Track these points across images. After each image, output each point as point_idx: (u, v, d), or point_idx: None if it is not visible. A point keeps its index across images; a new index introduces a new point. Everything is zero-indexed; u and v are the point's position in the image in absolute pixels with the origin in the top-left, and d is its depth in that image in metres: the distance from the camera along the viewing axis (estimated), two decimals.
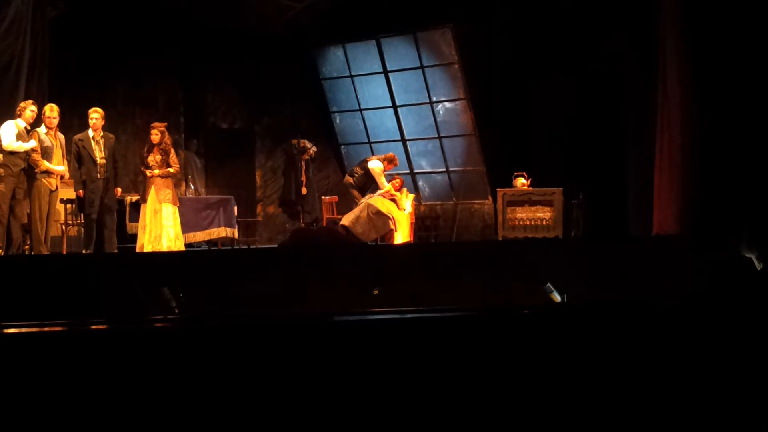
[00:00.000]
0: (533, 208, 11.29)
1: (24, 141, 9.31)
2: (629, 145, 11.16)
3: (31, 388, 2.81)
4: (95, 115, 9.89)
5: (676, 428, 3.01)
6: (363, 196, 11.90)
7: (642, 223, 10.63)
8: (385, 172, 12.07)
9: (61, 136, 9.83)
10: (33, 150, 9.34)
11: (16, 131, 9.32)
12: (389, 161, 12.04)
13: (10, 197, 9.30)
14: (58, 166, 9.55)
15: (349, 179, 12.17)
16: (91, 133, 9.86)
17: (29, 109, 9.44)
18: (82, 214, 10.07)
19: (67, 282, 6.56)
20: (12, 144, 9.27)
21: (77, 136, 9.93)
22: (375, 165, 11.93)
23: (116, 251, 9.96)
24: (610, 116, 11.40)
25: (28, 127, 9.43)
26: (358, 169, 12.14)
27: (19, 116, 9.42)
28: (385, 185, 11.85)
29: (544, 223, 11.23)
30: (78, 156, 9.80)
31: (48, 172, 9.44)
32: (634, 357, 3.08)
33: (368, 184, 12.02)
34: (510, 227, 11.34)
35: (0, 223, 9.24)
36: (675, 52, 10.04)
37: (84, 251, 9.93)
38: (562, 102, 11.85)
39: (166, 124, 10.55)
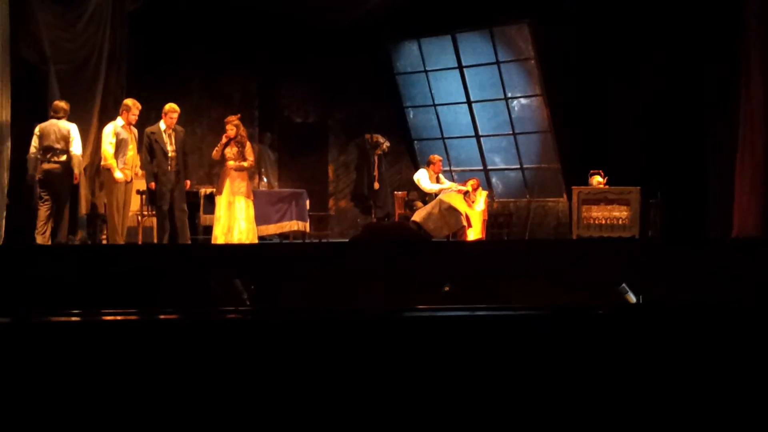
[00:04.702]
0: (609, 207, 11.11)
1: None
2: (710, 143, 10.90)
3: (101, 375, 2.83)
4: (174, 114, 10.03)
5: None
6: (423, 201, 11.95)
7: (722, 224, 10.37)
8: (436, 173, 12.16)
9: (134, 130, 10.00)
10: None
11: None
12: (431, 163, 12.15)
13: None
14: (120, 171, 9.79)
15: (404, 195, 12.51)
16: (162, 126, 10.00)
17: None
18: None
19: (141, 272, 6.66)
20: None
21: (149, 129, 10.06)
22: (416, 175, 12.18)
23: (189, 242, 10.09)
24: (689, 114, 11.14)
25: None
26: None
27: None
28: (427, 188, 11.85)
29: (620, 222, 11.04)
30: (150, 149, 9.95)
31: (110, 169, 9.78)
32: (712, 361, 2.98)
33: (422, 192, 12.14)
34: (585, 226, 11.18)
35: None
36: (760, 47, 9.78)
37: (158, 242, 10.09)
38: (640, 98, 11.61)
39: (239, 115, 10.60)
